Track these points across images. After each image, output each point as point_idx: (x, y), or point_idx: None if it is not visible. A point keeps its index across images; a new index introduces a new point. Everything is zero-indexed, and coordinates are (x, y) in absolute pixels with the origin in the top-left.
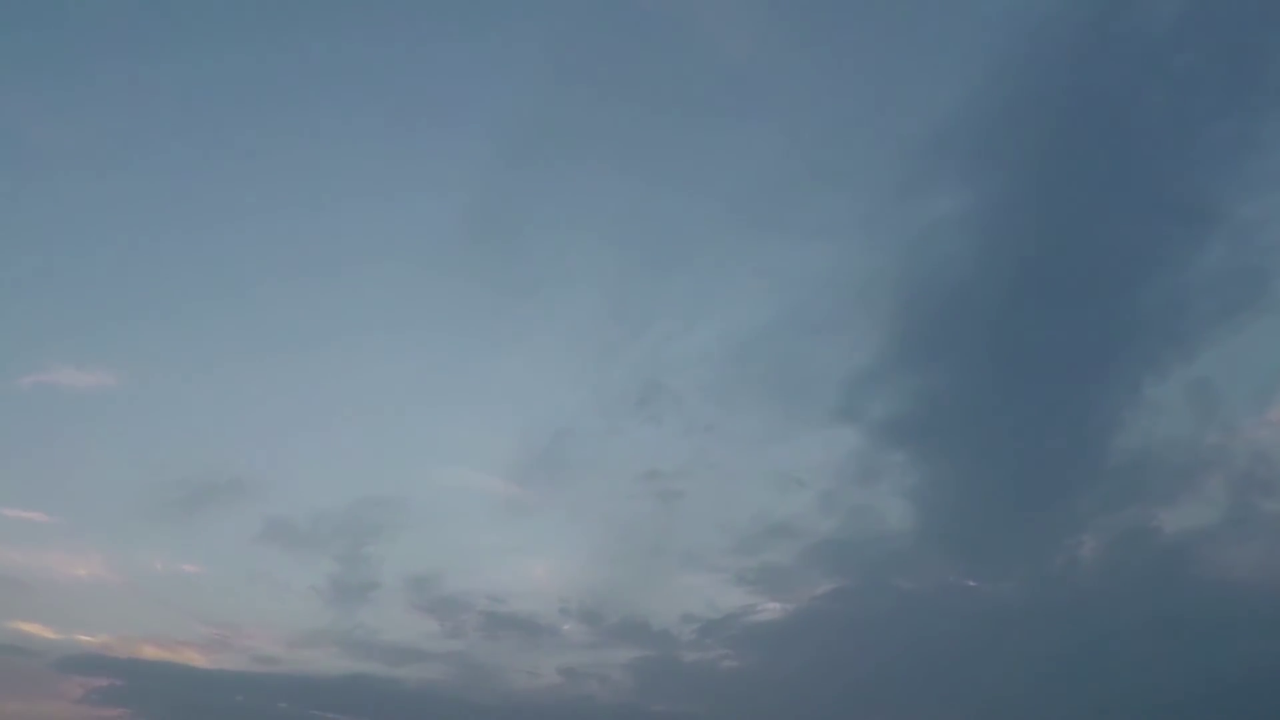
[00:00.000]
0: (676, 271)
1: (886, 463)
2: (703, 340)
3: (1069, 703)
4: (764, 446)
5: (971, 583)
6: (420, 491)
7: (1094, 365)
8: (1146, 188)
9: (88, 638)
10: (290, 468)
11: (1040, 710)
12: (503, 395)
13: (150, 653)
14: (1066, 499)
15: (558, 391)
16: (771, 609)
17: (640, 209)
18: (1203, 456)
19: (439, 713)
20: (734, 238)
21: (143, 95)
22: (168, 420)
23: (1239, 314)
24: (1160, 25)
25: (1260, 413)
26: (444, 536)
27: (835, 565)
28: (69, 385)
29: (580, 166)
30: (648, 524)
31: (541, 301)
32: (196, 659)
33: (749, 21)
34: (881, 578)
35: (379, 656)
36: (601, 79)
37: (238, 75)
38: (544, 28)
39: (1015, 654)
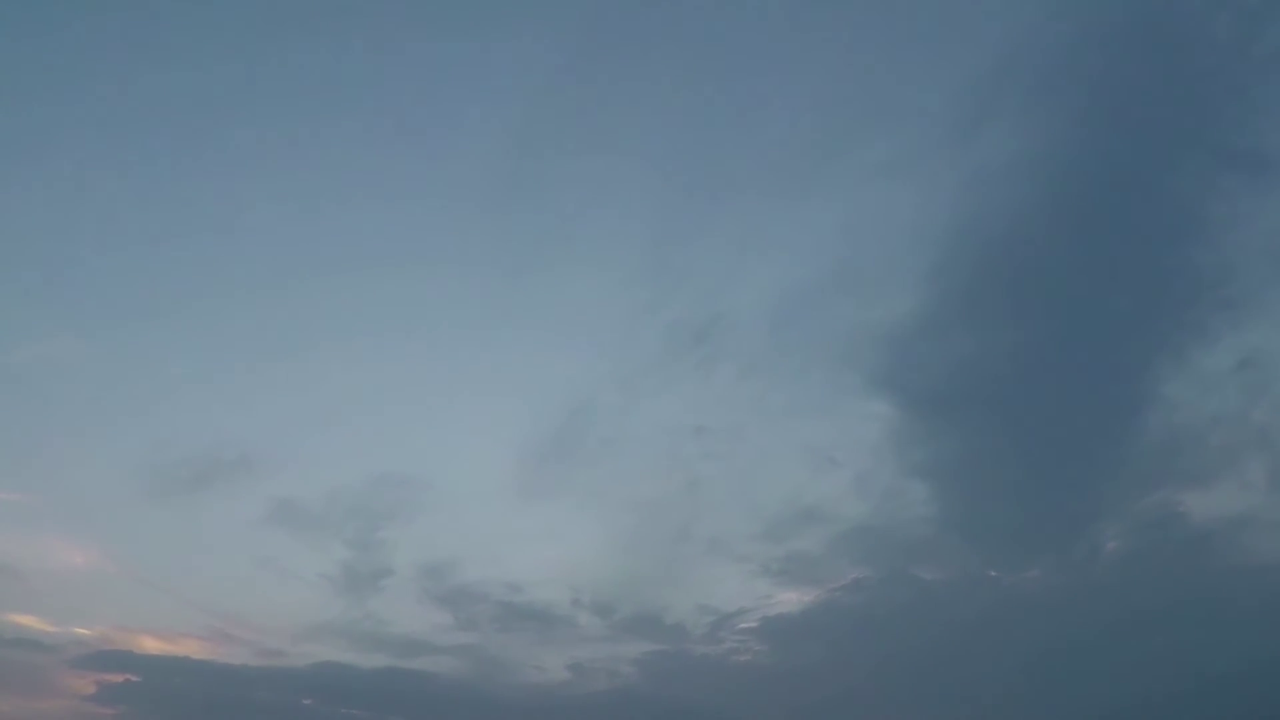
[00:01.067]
0: (715, 225)
1: (921, 436)
2: (738, 303)
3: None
4: (800, 420)
5: (993, 572)
6: (437, 470)
7: (1138, 327)
8: (1206, 133)
9: (85, 630)
10: (302, 445)
11: (1067, 699)
12: (521, 370)
13: (150, 646)
14: (1099, 480)
15: (576, 365)
16: (796, 600)
17: (682, 153)
18: (1245, 436)
19: (448, 708)
20: (781, 183)
21: (179, 97)
22: (170, 395)
23: None
24: None
25: None
26: (460, 520)
27: (864, 553)
28: (65, 357)
29: (617, 110)
30: (673, 507)
31: (561, 270)
32: (199, 651)
33: None
34: (907, 567)
35: (388, 648)
36: (649, 16)
37: (250, 79)
38: None
39: (1044, 641)
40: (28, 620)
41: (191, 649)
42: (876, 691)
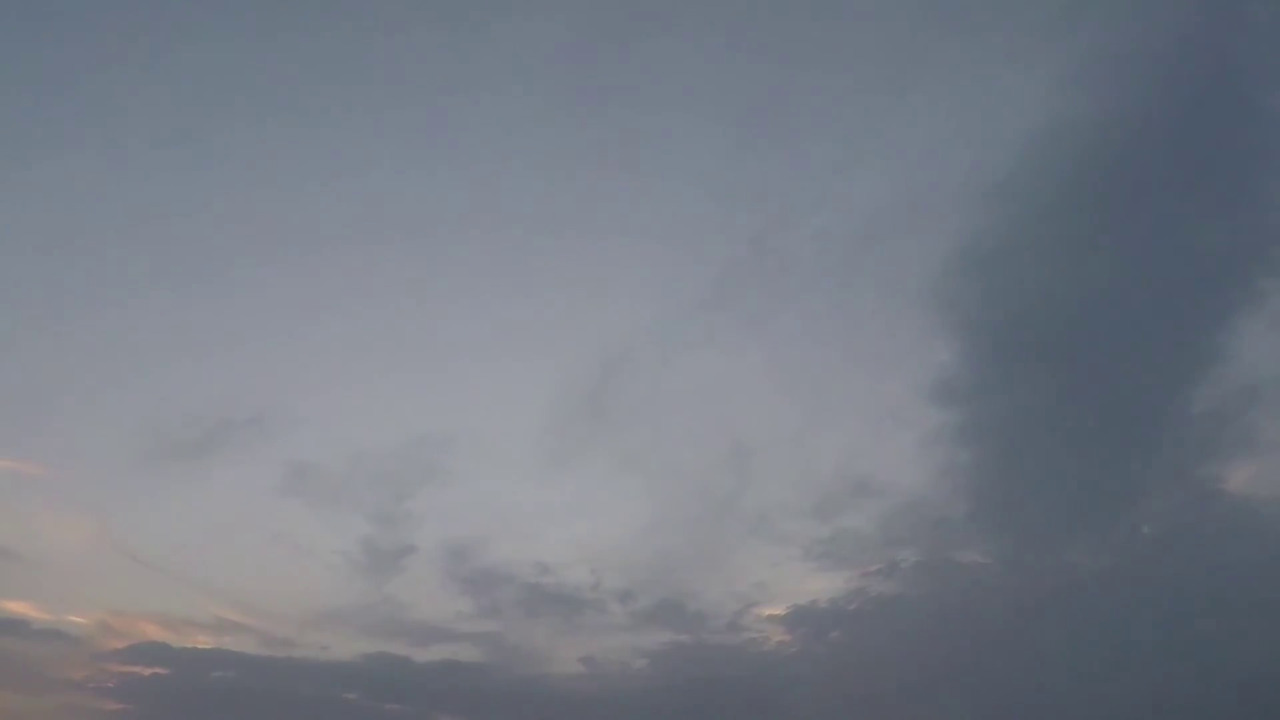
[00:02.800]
0: (771, 164)
1: (977, 391)
2: (794, 240)
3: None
4: (860, 373)
5: (1032, 556)
6: (465, 435)
7: (1224, 272)
8: None
9: (79, 619)
10: (321, 405)
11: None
12: (555, 324)
13: (151, 632)
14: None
15: (614, 315)
16: (828, 587)
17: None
18: None
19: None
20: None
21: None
22: (177, 346)
23: None
24: None
25: None
26: (488, 491)
27: (911, 531)
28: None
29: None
30: (716, 478)
31: (599, 212)
32: (204, 641)
33: None
34: (946, 550)
35: (405, 636)
36: None
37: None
38: None
39: (1085, 629)
40: (19, 607)
41: (193, 637)
42: (909, 688)
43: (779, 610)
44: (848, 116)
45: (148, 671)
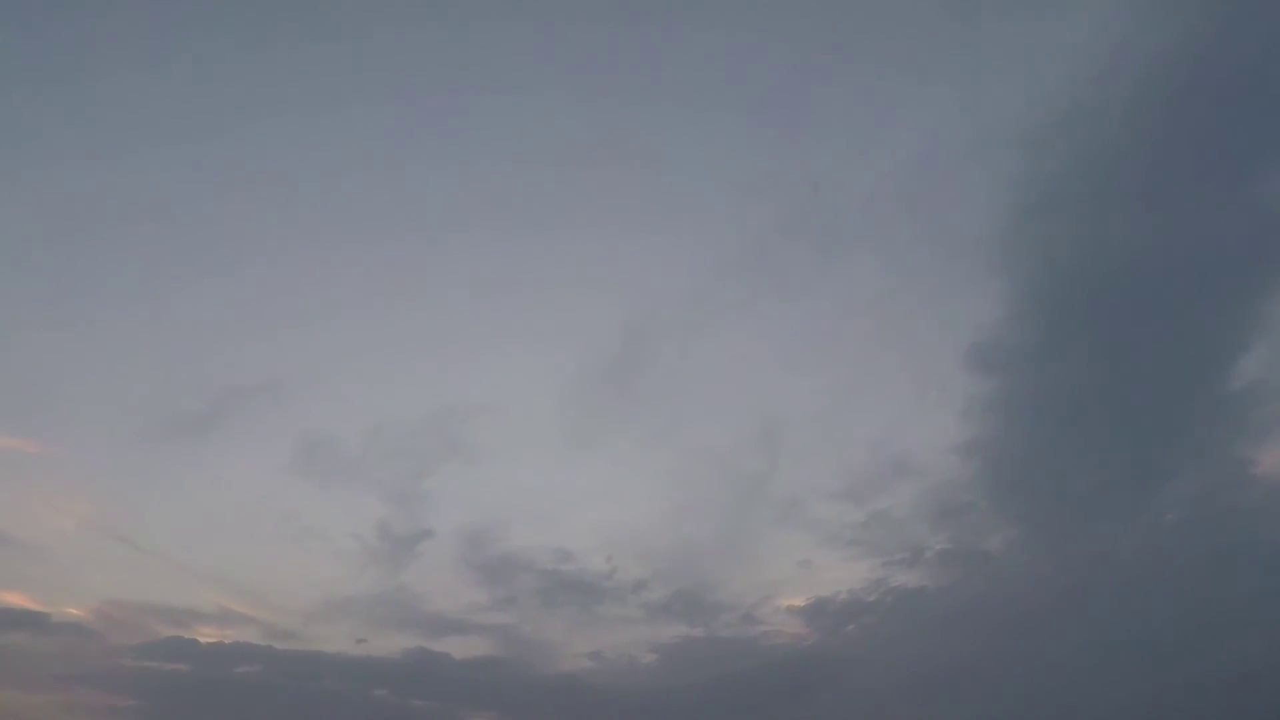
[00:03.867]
0: (810, 116)
1: (1019, 357)
2: (834, 199)
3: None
4: (902, 340)
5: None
6: (487, 410)
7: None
8: None
9: (75, 610)
10: (340, 371)
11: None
12: (578, 301)
13: (153, 626)
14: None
15: (644, 277)
16: (849, 577)
17: None
18: None
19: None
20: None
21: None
22: (187, 316)
23: None
24: None
25: None
26: (508, 472)
27: (945, 515)
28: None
29: None
30: (744, 462)
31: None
32: (207, 633)
33: None
34: (976, 538)
35: (416, 627)
36: None
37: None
38: None
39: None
40: (12, 598)
41: (196, 628)
42: (924, 684)
43: (799, 601)
44: (898, 58)
45: (140, 670)
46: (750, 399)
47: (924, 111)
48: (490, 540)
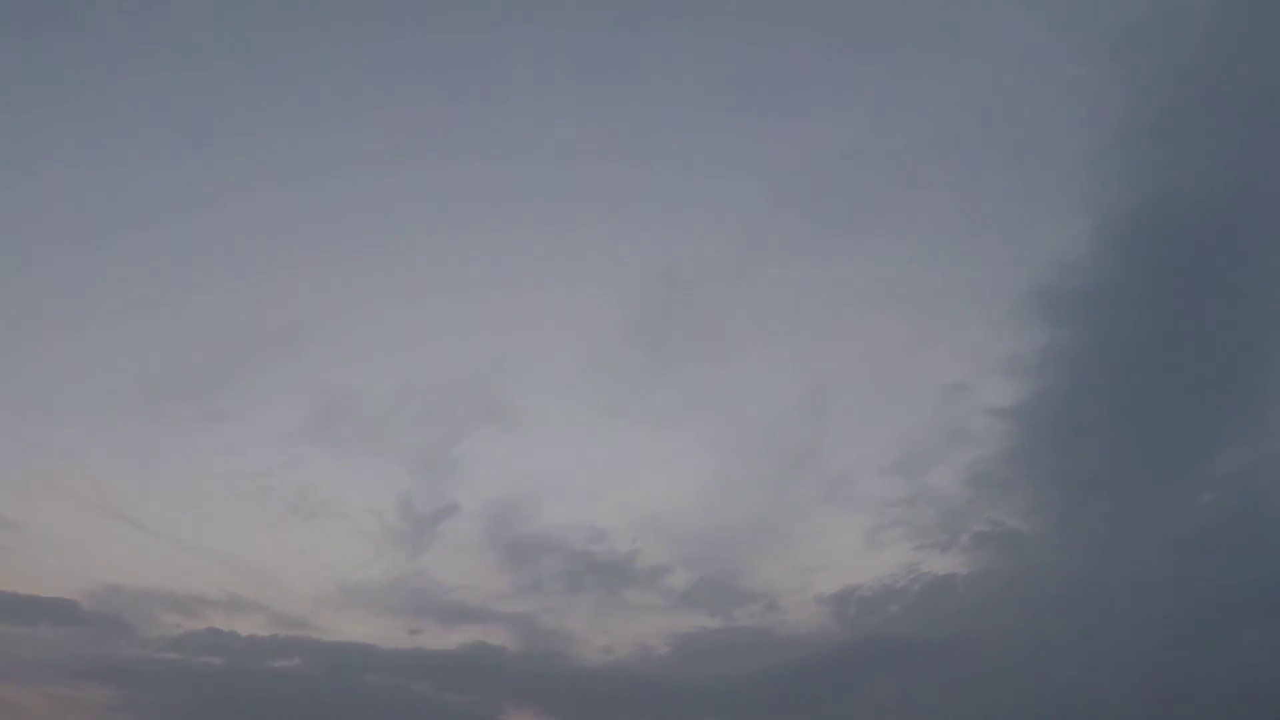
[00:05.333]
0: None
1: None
2: (898, 126)
3: None
4: (959, 295)
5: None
6: (519, 368)
7: None
8: None
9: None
10: (363, 323)
11: None
12: (614, 247)
13: (151, 613)
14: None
15: (678, 228)
16: (895, 561)
17: None
18: None
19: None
20: None
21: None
22: (187, 245)
23: None
24: None
25: None
26: (536, 439)
27: (993, 490)
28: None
29: None
30: (789, 431)
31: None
32: (216, 620)
33: None
34: (1015, 518)
35: (433, 614)
36: None
37: None
38: None
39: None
40: None
41: (203, 615)
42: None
43: (831, 588)
44: None
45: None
46: (799, 353)
47: (1006, 29)
48: (518, 519)
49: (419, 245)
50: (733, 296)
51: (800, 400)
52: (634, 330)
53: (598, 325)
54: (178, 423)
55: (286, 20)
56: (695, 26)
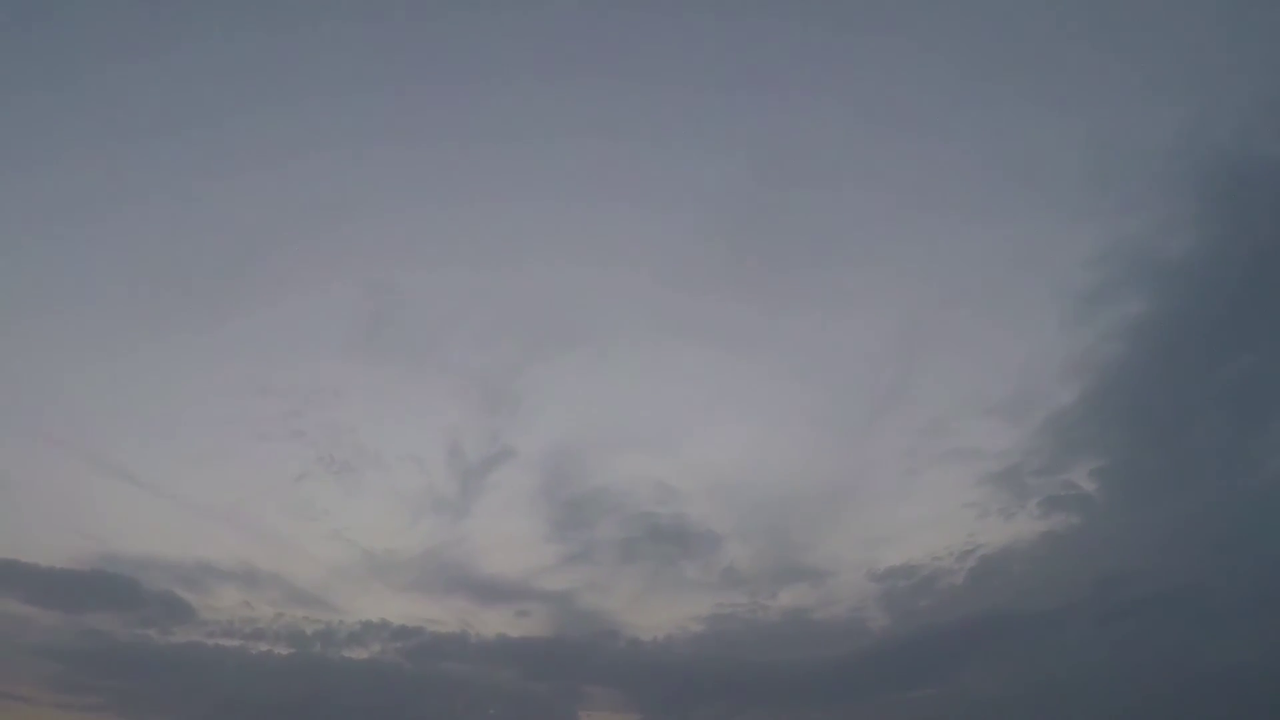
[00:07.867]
0: None
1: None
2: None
3: None
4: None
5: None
6: (587, 297)
7: None
8: None
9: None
10: (422, 218)
11: None
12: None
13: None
14: None
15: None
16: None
17: None
18: None
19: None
20: None
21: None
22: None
23: None
24: None
25: None
26: (601, 376)
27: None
28: None
29: None
30: (882, 366)
31: None
32: (230, 596)
33: None
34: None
35: (465, 590)
36: None
37: None
38: None
39: None
40: None
41: (213, 590)
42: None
43: (889, 563)
44: None
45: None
46: (892, 282)
47: None
48: (579, 472)
49: (494, 148)
50: (822, 201)
51: (893, 334)
52: (717, 252)
53: (681, 245)
54: (189, 332)
55: None
56: None
